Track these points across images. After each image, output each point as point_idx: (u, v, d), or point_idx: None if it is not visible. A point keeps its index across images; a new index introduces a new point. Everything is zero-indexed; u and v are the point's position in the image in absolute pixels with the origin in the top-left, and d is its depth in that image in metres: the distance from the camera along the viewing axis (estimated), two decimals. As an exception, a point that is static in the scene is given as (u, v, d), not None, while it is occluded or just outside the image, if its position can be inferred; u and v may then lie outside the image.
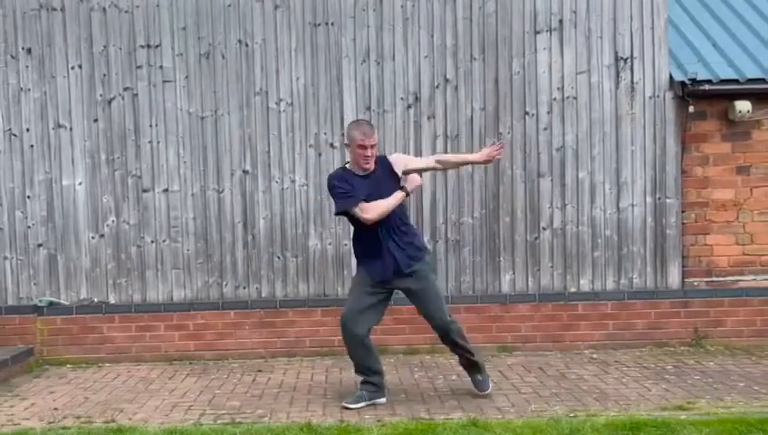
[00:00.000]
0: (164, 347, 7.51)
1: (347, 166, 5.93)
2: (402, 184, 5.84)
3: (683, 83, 7.53)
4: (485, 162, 6.07)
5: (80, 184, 7.61)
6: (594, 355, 7.36)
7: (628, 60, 7.59)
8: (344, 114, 7.59)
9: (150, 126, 7.60)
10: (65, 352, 7.50)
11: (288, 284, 7.65)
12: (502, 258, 7.66)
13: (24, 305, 7.57)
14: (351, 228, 7.50)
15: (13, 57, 7.56)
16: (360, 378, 6.04)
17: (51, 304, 7.56)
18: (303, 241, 7.65)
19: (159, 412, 5.90)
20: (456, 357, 6.24)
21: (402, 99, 7.61)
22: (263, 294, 7.66)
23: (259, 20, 7.57)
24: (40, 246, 7.63)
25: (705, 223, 7.73)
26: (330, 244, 7.65)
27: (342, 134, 7.53)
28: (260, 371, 7.10)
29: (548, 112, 7.61)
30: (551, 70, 7.59)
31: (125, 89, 7.58)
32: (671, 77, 7.61)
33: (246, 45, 7.58)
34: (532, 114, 7.61)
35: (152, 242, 7.63)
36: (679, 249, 7.68)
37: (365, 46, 7.59)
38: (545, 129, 7.62)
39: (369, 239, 5.84)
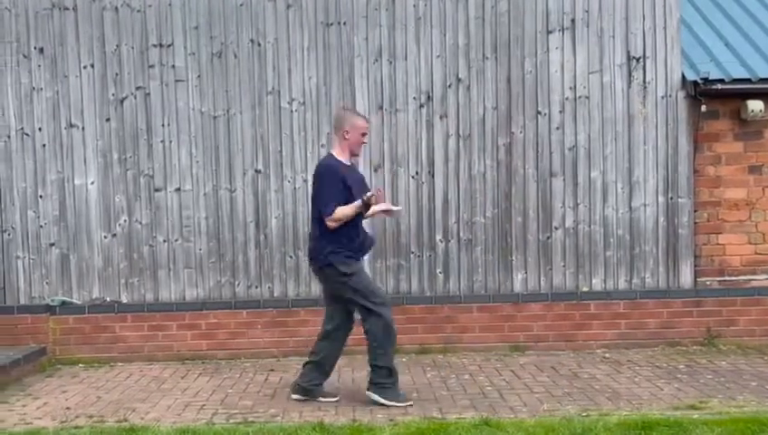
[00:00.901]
0: (176, 346, 7.50)
1: (333, 153, 5.91)
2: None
3: (695, 83, 7.53)
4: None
5: (92, 183, 7.61)
6: (606, 355, 7.36)
7: (641, 59, 7.58)
8: (356, 114, 7.61)
9: (163, 125, 7.60)
10: (78, 351, 7.50)
11: (300, 283, 7.65)
12: (514, 257, 7.66)
13: (36, 305, 7.58)
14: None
15: (25, 56, 7.56)
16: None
17: (63, 303, 7.56)
18: (316, 240, 7.64)
19: (172, 412, 5.90)
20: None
21: (414, 98, 7.61)
22: (275, 294, 7.66)
23: (271, 19, 7.57)
24: (52, 245, 7.63)
25: (718, 222, 7.73)
26: (342, 243, 7.65)
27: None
28: (272, 370, 7.10)
29: (560, 112, 7.60)
30: (563, 69, 7.59)
31: (137, 88, 7.58)
32: (683, 76, 7.60)
33: (259, 45, 7.58)
34: (545, 114, 7.60)
35: (164, 241, 7.63)
36: (692, 249, 7.68)
37: (377, 45, 7.59)
38: (557, 128, 7.61)
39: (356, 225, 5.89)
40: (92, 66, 7.57)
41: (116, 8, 7.54)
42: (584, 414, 5.49)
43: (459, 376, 6.74)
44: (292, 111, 7.60)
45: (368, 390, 5.97)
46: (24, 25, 7.56)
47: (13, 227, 7.62)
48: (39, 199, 7.61)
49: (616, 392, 6.11)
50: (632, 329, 7.56)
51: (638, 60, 7.58)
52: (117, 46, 7.56)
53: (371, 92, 7.61)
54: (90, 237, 7.63)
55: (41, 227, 7.62)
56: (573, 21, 7.57)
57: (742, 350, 7.43)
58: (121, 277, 7.65)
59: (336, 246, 5.78)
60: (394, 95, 7.61)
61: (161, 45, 7.57)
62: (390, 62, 7.59)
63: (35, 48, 7.56)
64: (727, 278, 7.73)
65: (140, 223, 7.64)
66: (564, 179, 7.62)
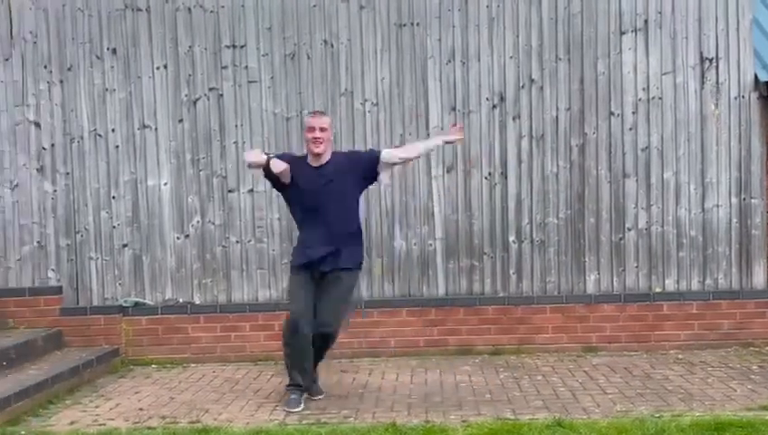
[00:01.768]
0: (249, 347, 7.50)
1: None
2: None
3: (768, 84, 7.54)
4: (447, 143, 6.60)
5: (165, 184, 7.61)
6: (679, 356, 7.35)
7: (713, 60, 7.58)
8: (429, 115, 7.60)
9: (236, 126, 7.60)
10: (150, 352, 7.51)
11: (373, 284, 7.65)
12: (587, 258, 7.65)
13: (109, 306, 7.57)
14: (436, 227, 7.64)
15: (98, 57, 7.57)
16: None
17: (136, 304, 7.57)
18: (388, 241, 7.64)
19: (244, 413, 5.91)
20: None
21: (487, 99, 7.60)
22: (348, 295, 7.65)
23: (344, 20, 7.57)
24: (125, 246, 7.63)
25: (790, 223, 7.73)
26: (414, 244, 7.65)
27: (428, 135, 7.57)
28: (344, 371, 7.10)
29: (633, 113, 7.60)
30: (636, 70, 7.58)
31: (210, 89, 7.58)
32: (756, 77, 7.58)
33: (332, 46, 7.58)
34: (618, 114, 7.60)
35: (237, 242, 7.63)
36: (764, 250, 7.66)
37: (450, 46, 7.59)
38: (630, 129, 7.61)
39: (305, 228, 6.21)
40: (165, 67, 7.57)
41: (189, 9, 7.54)
42: (657, 415, 5.50)
43: (532, 377, 6.74)
44: (365, 112, 7.60)
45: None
46: (96, 26, 7.56)
47: (86, 228, 7.62)
48: (112, 200, 7.61)
49: (689, 393, 6.11)
50: (705, 330, 7.55)
51: (710, 61, 7.58)
52: (190, 47, 7.56)
53: (444, 93, 7.61)
54: (162, 238, 7.63)
55: (114, 227, 7.62)
56: (646, 22, 7.57)
57: (815, 351, 7.44)
58: (194, 278, 7.64)
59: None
60: (467, 96, 7.61)
61: (234, 46, 7.57)
62: (463, 63, 7.59)
63: (108, 49, 7.57)
64: (800, 279, 7.73)
65: (213, 224, 7.63)
66: (637, 180, 7.62)
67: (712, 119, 7.61)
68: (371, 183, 6.23)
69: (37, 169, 7.60)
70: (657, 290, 7.65)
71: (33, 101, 7.58)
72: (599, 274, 7.66)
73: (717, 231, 7.65)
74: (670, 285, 7.66)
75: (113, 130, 7.59)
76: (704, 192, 7.65)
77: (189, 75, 7.57)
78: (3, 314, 7.46)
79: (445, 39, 7.59)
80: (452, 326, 7.56)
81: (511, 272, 7.65)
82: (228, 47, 7.57)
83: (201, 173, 7.61)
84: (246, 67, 7.57)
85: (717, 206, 7.64)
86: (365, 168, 6.05)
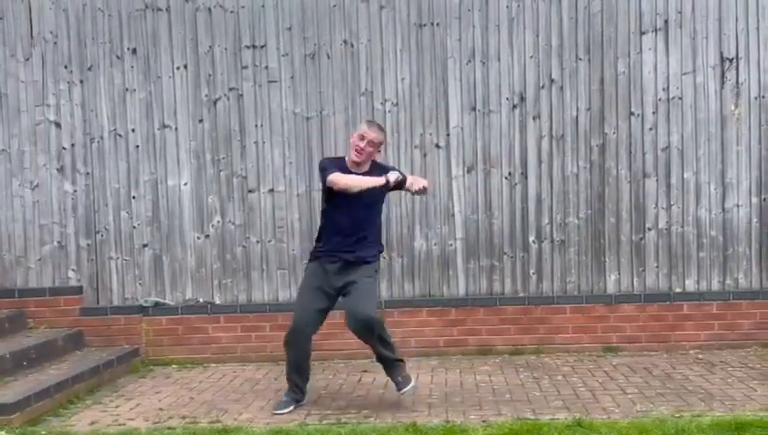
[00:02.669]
0: (269, 347, 7.47)
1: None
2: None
3: (788, 83, 7.53)
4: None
5: (185, 184, 7.61)
6: (700, 356, 7.34)
7: (734, 60, 7.58)
8: (449, 115, 7.60)
9: (256, 126, 7.59)
10: (170, 352, 7.51)
11: (393, 284, 7.65)
12: (607, 258, 7.65)
13: (129, 306, 7.58)
14: (456, 228, 7.64)
15: (118, 57, 7.57)
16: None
17: (156, 304, 7.56)
18: (409, 241, 7.65)
19: (265, 413, 5.91)
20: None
21: (507, 99, 7.60)
22: (368, 295, 7.64)
23: (364, 20, 7.57)
24: (145, 246, 7.63)
25: (811, 223, 7.72)
26: (435, 244, 7.65)
27: (448, 135, 7.57)
28: (365, 371, 7.09)
29: (653, 113, 7.59)
30: (656, 70, 7.57)
31: (230, 89, 7.58)
32: (776, 77, 7.61)
33: (352, 46, 7.58)
34: (638, 114, 7.60)
35: (257, 242, 7.63)
36: (785, 250, 7.69)
37: (470, 47, 7.59)
38: (651, 129, 7.60)
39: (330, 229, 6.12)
40: (185, 67, 7.57)
41: (209, 9, 7.54)
42: (677, 415, 5.50)
43: (552, 377, 6.74)
44: (385, 112, 7.60)
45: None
46: (116, 26, 7.56)
47: (106, 228, 7.62)
48: (132, 200, 7.61)
49: (709, 393, 6.10)
50: (725, 330, 7.54)
51: (731, 61, 7.58)
52: (210, 47, 7.56)
53: (464, 93, 7.61)
54: (183, 238, 7.63)
55: (134, 227, 7.62)
56: (666, 22, 7.56)
57: (836, 351, 7.43)
58: (214, 278, 7.64)
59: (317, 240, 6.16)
60: (487, 96, 7.60)
61: (254, 46, 7.56)
62: (483, 63, 7.59)
63: (128, 49, 7.56)
64: (821, 279, 7.72)
65: (233, 224, 7.63)
66: (657, 180, 7.61)
67: (732, 119, 7.61)
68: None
69: (57, 169, 7.61)
70: (678, 290, 7.65)
71: (53, 100, 7.59)
72: (619, 274, 7.65)
73: (737, 231, 7.64)
74: (690, 285, 7.66)
75: (133, 130, 7.59)
76: (724, 192, 7.64)
77: (209, 75, 7.57)
78: (23, 314, 7.47)
79: (465, 39, 7.58)
80: (472, 326, 7.56)
81: (531, 272, 7.65)
82: (248, 47, 7.56)
83: (221, 173, 7.61)
84: (266, 67, 7.57)
85: (738, 206, 7.64)
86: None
